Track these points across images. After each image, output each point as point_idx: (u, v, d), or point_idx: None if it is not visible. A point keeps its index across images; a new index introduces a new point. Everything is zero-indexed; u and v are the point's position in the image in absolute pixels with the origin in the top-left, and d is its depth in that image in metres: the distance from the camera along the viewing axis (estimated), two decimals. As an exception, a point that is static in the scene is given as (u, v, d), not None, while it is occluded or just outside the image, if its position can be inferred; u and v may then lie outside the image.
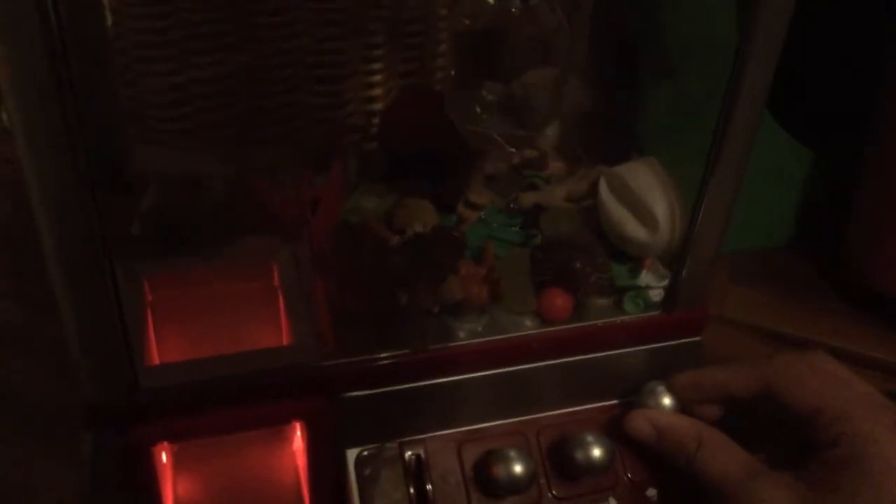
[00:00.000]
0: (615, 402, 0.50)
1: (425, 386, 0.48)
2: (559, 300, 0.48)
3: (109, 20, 0.64)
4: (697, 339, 0.52)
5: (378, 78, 0.73)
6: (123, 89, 0.68)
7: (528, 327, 0.49)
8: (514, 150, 0.49)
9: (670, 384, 0.48)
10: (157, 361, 0.49)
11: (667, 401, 0.48)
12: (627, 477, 0.48)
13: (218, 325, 0.51)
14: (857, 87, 0.69)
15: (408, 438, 0.48)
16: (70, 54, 0.33)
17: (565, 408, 0.51)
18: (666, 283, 0.50)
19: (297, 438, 0.50)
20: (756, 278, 0.75)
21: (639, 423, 0.47)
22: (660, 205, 0.50)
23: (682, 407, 0.48)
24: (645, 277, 0.50)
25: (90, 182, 0.36)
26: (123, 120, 0.61)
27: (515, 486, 0.46)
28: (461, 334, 0.48)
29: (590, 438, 0.48)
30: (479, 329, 0.49)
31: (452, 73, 0.48)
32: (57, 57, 0.33)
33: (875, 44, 0.67)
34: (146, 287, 0.50)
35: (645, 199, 0.50)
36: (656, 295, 0.50)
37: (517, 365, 0.49)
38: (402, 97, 0.66)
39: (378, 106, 0.73)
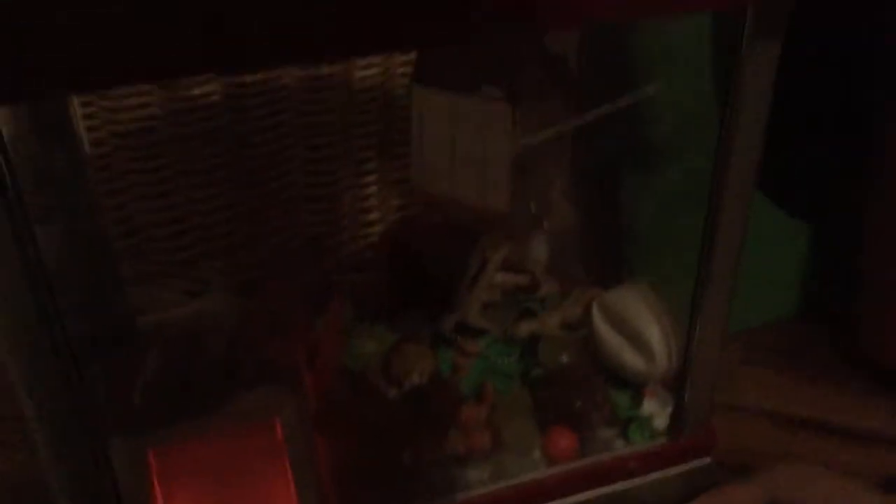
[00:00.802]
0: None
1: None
2: (563, 441, 0.48)
3: (89, 152, 0.65)
4: (708, 460, 0.51)
5: (372, 191, 0.74)
6: (116, 226, 0.69)
7: (535, 466, 0.49)
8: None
9: None
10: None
11: None
12: None
13: (226, 492, 0.50)
14: (847, 156, 0.69)
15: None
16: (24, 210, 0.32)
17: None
18: (669, 409, 0.49)
19: None
20: (768, 356, 0.74)
21: None
22: (654, 333, 0.49)
23: None
24: (647, 406, 0.50)
25: (69, 348, 0.34)
26: (120, 271, 0.61)
27: None
28: (466, 483, 0.48)
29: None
30: (486, 476, 0.48)
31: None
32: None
33: (864, 113, 0.67)
34: (152, 459, 0.50)
35: (638, 328, 0.49)
36: (661, 422, 0.50)
37: (527, 508, 0.49)
38: (399, 224, 0.66)
39: (376, 219, 0.73)
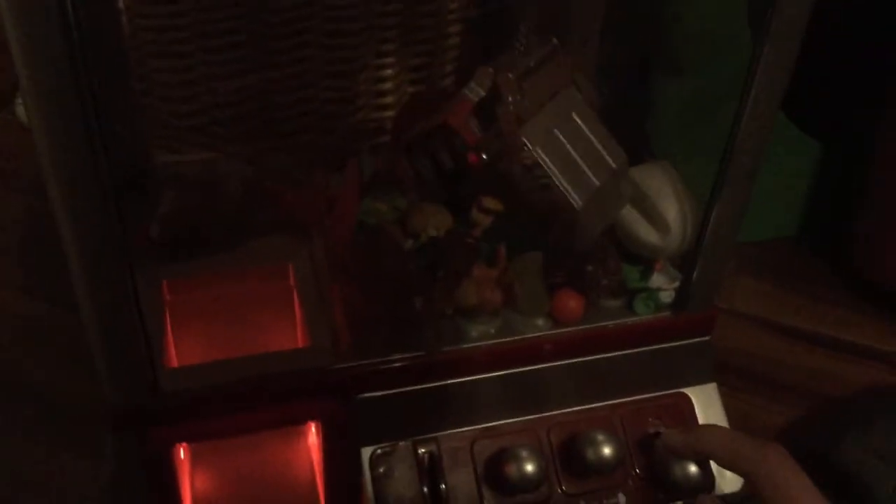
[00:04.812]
0: (625, 400, 0.51)
1: (439, 386, 0.49)
2: (572, 302, 0.49)
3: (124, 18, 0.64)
4: (707, 338, 0.52)
5: (389, 73, 0.73)
6: (137, 84, 0.68)
7: (541, 328, 0.50)
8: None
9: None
10: (175, 363, 0.50)
11: None
12: (636, 473, 0.49)
13: (235, 326, 0.51)
14: (867, 80, 0.69)
15: (421, 437, 0.49)
16: (87, 52, 0.33)
17: (576, 406, 0.52)
18: (676, 284, 0.51)
19: (313, 435, 0.51)
20: (763, 270, 0.75)
21: None
22: (672, 209, 0.50)
23: None
24: (656, 279, 0.51)
25: (109, 183, 0.36)
26: (141, 118, 0.61)
27: (527, 483, 0.47)
28: (474, 335, 0.49)
29: (600, 437, 0.49)
30: (492, 331, 0.49)
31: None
32: (75, 54, 0.32)
33: (886, 34, 0.67)
34: (165, 289, 0.51)
35: (657, 203, 0.50)
36: (667, 296, 0.51)
37: (529, 365, 0.50)
38: (413, 102, 0.66)
39: (390, 102, 0.73)
